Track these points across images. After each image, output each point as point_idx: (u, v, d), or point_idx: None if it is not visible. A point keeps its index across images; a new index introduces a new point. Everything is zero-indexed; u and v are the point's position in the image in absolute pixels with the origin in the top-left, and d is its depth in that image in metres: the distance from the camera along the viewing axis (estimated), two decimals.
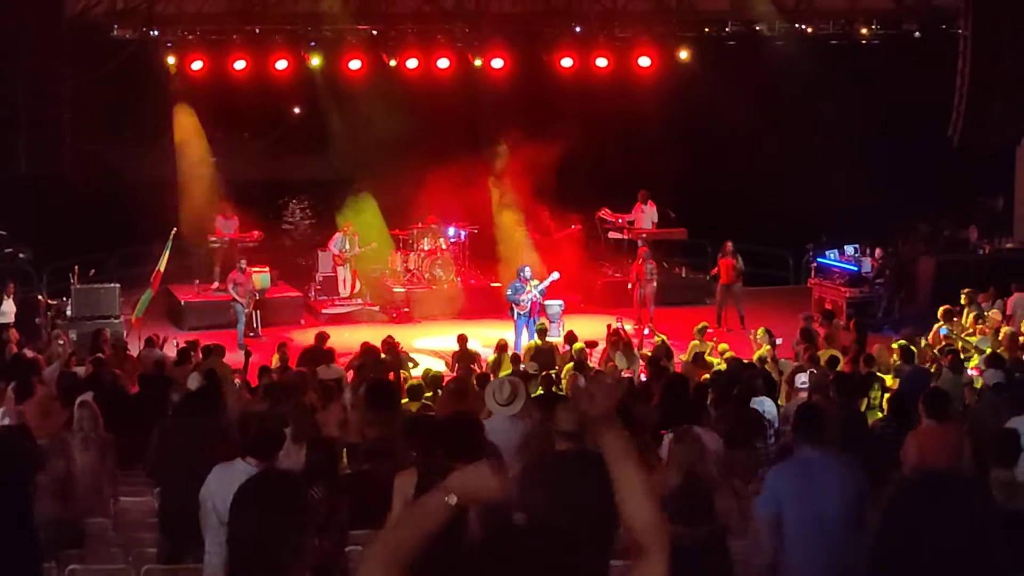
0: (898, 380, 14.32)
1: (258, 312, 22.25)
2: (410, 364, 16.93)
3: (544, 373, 14.41)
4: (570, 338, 17.68)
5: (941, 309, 18.73)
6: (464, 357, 17.24)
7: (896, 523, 3.17)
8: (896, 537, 3.14)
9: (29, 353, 16.41)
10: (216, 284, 22.97)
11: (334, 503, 7.64)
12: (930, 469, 3.13)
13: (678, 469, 7.54)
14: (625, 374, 15.21)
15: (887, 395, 12.74)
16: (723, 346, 17.24)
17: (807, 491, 6.85)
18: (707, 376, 13.92)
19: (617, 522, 3.64)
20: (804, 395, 12.72)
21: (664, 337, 17.97)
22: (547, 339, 18.27)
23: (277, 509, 3.73)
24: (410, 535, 3.42)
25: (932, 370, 14.71)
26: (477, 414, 10.97)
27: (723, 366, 15.03)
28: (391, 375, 15.12)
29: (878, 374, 14.38)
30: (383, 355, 16.35)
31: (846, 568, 6.43)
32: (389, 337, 17.39)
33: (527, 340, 19.42)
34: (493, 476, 3.49)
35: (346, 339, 19.72)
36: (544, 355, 17.11)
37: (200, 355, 16.01)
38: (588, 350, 17.12)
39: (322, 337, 17.19)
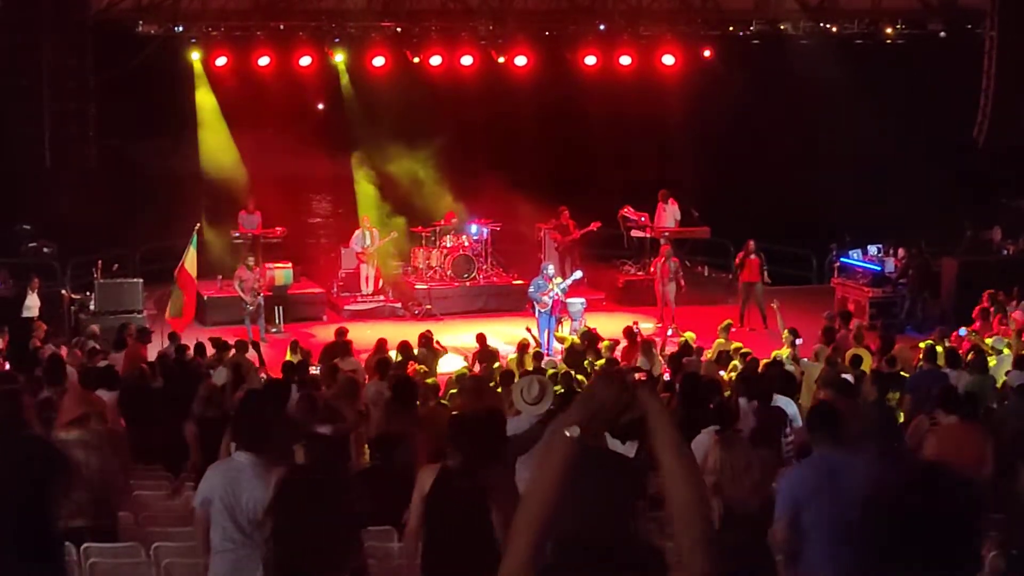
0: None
1: (280, 308, 22.29)
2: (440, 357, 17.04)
3: (566, 371, 14.37)
4: (591, 337, 17.59)
5: (976, 309, 18.67)
6: (485, 355, 17.23)
7: (880, 512, 3.13)
8: (881, 526, 3.10)
9: (51, 348, 16.51)
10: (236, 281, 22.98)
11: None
12: (924, 464, 3.07)
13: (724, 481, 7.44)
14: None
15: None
16: (743, 349, 16.99)
17: (828, 491, 6.75)
18: (730, 374, 13.87)
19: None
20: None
21: (691, 335, 17.80)
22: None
23: (326, 506, 3.69)
24: (544, 481, 3.39)
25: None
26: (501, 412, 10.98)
27: (739, 365, 14.93)
28: (410, 371, 15.14)
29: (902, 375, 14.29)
30: (418, 350, 16.48)
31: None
32: (428, 332, 17.58)
33: (549, 336, 19.42)
34: (605, 387, 3.41)
35: (367, 335, 19.72)
36: (576, 356, 17.03)
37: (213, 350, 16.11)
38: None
39: (342, 332, 17.27)
